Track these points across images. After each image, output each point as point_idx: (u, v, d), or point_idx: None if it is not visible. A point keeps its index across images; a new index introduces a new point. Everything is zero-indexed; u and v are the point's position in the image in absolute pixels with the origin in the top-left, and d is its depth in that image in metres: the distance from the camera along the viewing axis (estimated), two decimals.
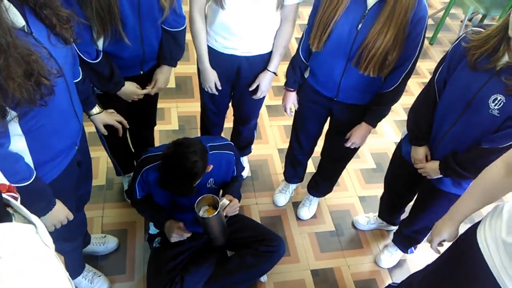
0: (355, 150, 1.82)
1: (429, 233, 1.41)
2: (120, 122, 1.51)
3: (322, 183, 2.13)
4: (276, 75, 1.79)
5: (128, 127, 1.55)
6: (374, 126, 1.65)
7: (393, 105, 1.61)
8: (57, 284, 0.67)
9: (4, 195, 0.64)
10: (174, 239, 1.60)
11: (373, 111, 1.61)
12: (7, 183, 0.74)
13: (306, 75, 1.69)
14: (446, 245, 1.31)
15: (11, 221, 0.61)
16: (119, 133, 1.52)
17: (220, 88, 1.79)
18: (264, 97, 1.95)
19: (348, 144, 1.72)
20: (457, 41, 1.33)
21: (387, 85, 1.52)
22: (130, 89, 1.60)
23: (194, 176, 1.38)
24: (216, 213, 1.49)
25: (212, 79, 1.75)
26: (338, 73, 1.52)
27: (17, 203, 0.65)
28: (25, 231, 0.62)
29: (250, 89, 1.80)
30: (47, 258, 0.65)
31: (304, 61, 1.63)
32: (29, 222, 0.66)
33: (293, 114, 1.88)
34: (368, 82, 1.52)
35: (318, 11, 1.44)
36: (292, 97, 1.77)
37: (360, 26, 1.38)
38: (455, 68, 1.32)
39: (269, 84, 1.80)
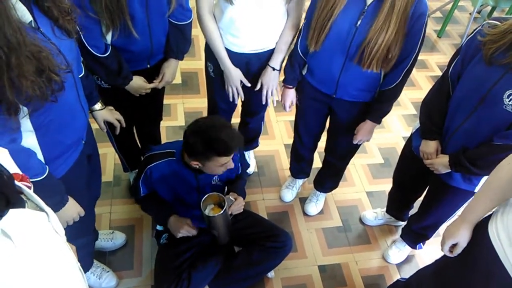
0: (358, 146, 1.81)
1: (441, 230, 1.38)
2: (119, 121, 1.52)
3: (327, 179, 2.13)
4: (279, 71, 1.75)
5: (125, 126, 1.54)
6: (378, 123, 1.65)
7: (395, 101, 1.60)
8: (68, 272, 0.67)
9: (17, 183, 0.64)
10: (181, 235, 1.60)
11: (375, 109, 1.60)
12: (20, 173, 0.75)
13: (304, 72, 1.66)
14: (458, 250, 1.23)
15: (24, 207, 0.61)
16: (116, 131, 1.53)
17: (249, 85, 1.74)
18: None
19: (355, 142, 1.71)
20: (472, 34, 1.30)
21: (388, 83, 1.51)
22: (138, 83, 1.59)
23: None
24: (222, 211, 1.49)
25: (237, 77, 1.70)
26: (337, 70, 1.51)
27: (29, 191, 0.65)
28: (37, 218, 0.62)
29: (256, 89, 1.75)
30: (58, 246, 0.65)
31: (303, 57, 1.61)
32: (41, 210, 0.66)
33: (292, 109, 1.86)
34: (367, 80, 1.51)
35: (314, 12, 1.42)
36: (291, 94, 1.74)
37: (359, 22, 1.37)
38: (470, 62, 1.30)
39: (272, 80, 1.72)
